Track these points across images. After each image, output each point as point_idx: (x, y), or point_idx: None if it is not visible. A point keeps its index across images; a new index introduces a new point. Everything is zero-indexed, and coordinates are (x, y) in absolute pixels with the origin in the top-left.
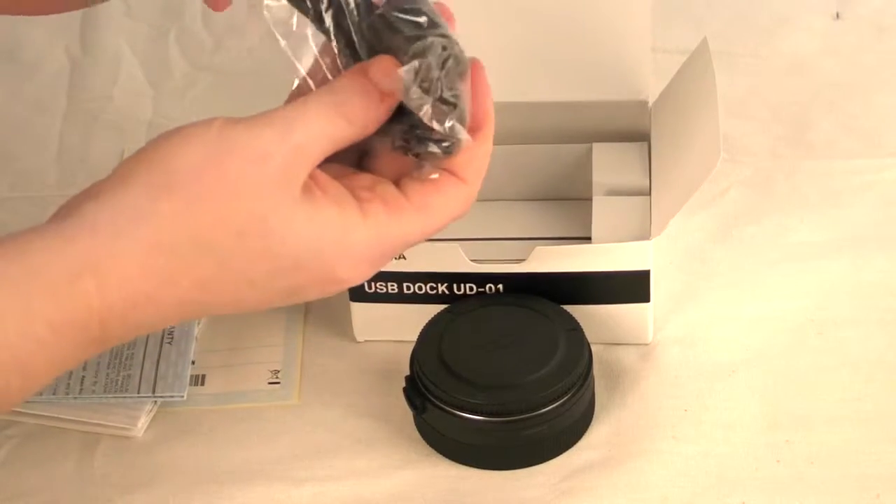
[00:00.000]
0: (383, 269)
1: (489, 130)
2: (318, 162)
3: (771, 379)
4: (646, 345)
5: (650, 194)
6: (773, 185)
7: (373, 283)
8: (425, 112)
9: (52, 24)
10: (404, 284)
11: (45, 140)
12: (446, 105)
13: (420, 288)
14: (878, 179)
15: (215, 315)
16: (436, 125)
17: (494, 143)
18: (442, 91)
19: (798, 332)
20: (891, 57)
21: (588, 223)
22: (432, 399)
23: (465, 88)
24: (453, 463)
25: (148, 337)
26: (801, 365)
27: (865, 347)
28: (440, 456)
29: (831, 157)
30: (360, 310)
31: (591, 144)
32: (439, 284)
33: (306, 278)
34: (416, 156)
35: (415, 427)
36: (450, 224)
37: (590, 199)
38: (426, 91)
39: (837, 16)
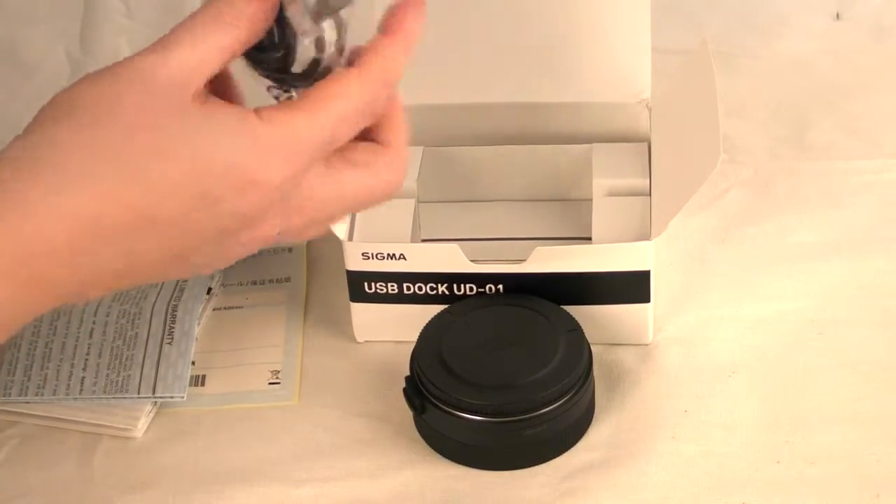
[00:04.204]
0: (383, 270)
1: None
2: (211, 74)
3: (771, 379)
4: (646, 345)
5: (650, 195)
6: (773, 186)
7: (373, 284)
8: (310, 40)
9: (52, 24)
10: (404, 285)
11: None
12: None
13: (420, 288)
14: (878, 180)
15: (164, 265)
16: (315, 52)
17: (494, 143)
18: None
19: (798, 332)
20: (891, 57)
21: (588, 224)
22: (432, 399)
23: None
24: (453, 463)
25: (148, 337)
26: (800, 365)
27: (865, 347)
28: (440, 456)
29: (831, 157)
30: (360, 310)
31: (592, 145)
32: (439, 285)
33: (223, 186)
34: (278, 81)
35: (415, 427)
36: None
37: (590, 200)
38: (315, 20)
39: (837, 16)
